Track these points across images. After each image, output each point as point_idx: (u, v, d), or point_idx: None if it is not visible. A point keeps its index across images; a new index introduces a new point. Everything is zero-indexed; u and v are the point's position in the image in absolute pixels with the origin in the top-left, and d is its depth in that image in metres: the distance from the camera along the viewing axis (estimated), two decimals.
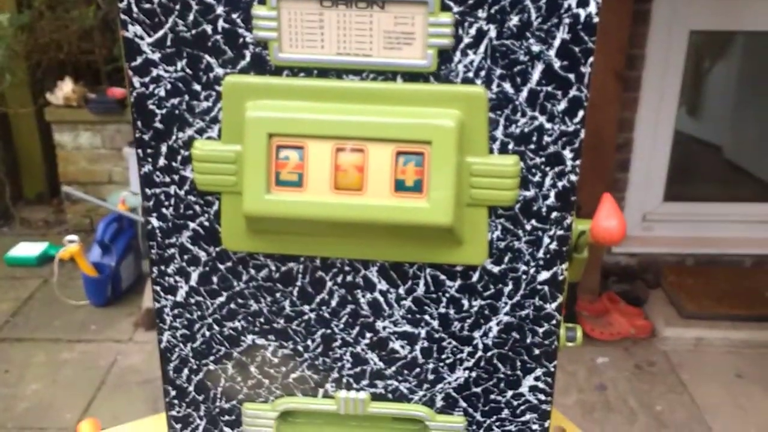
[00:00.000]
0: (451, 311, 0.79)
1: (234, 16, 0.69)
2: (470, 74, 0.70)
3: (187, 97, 0.72)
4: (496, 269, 0.77)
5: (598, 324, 2.66)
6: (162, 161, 0.74)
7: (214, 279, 0.79)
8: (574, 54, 0.69)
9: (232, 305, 0.81)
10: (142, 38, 0.71)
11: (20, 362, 2.37)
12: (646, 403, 2.24)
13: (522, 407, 0.83)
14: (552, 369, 0.81)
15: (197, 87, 0.72)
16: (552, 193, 0.73)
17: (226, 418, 0.87)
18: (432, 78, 0.70)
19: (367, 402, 0.84)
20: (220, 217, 0.76)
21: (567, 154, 0.71)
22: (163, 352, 0.83)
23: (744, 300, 2.70)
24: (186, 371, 0.84)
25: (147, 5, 0.69)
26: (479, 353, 0.81)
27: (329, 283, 0.79)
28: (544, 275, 0.77)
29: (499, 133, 0.71)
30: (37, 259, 3.04)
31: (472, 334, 0.80)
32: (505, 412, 0.83)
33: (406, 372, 0.83)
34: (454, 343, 0.81)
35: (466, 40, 0.69)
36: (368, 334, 0.81)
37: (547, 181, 0.72)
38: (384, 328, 0.81)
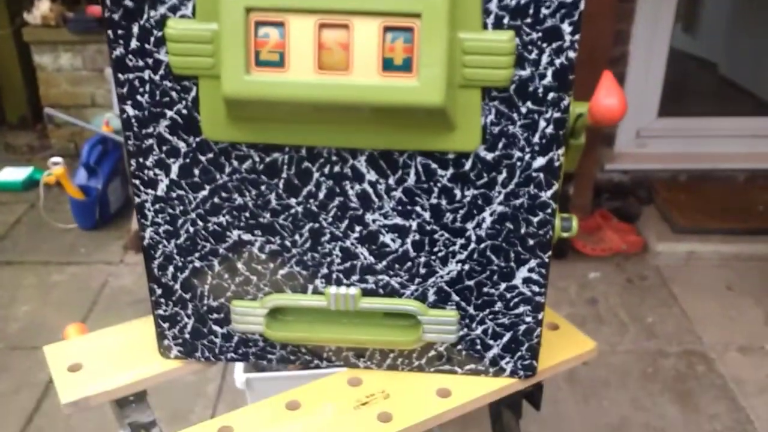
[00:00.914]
0: (443, 202, 0.76)
1: None
2: None
3: None
4: (489, 156, 0.74)
5: (589, 240, 2.65)
6: (134, 43, 0.70)
7: (196, 171, 0.76)
8: None
9: (216, 199, 0.77)
10: None
11: (10, 284, 2.36)
12: (637, 316, 2.26)
13: (515, 300, 0.81)
14: (546, 260, 0.79)
15: None
16: (549, 72, 0.69)
17: (215, 316, 0.85)
18: None
19: (357, 297, 0.82)
20: (198, 104, 0.72)
21: (565, 28, 0.67)
22: (146, 249, 0.81)
23: (736, 214, 2.69)
24: (171, 269, 0.82)
25: None
26: (472, 245, 0.79)
27: (316, 175, 0.76)
28: (540, 161, 0.74)
29: (493, 5, 0.66)
30: (22, 183, 2.99)
31: (464, 226, 0.78)
32: (498, 305, 0.82)
33: (397, 266, 0.80)
34: (446, 235, 0.78)
35: None
36: (357, 228, 0.78)
37: (544, 59, 0.68)
38: (374, 221, 0.78)
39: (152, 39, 0.69)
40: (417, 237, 0.78)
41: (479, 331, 0.84)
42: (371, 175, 0.75)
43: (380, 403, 0.83)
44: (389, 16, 0.65)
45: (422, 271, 0.80)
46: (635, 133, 3.00)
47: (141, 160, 0.75)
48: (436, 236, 0.78)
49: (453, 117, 0.70)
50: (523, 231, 0.77)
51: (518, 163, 0.74)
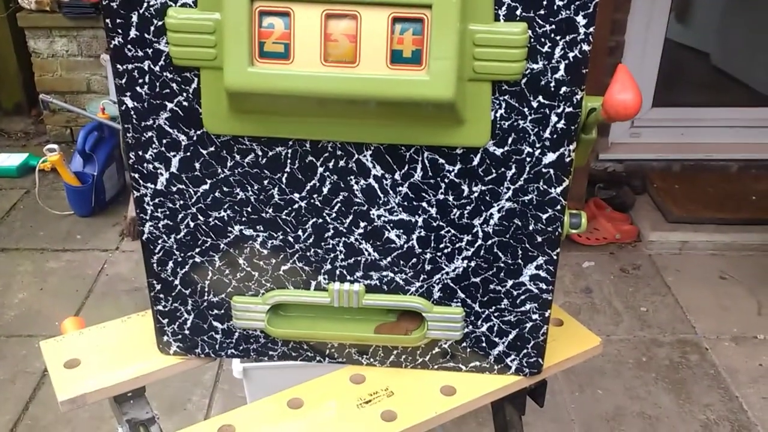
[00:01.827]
0: (450, 198, 0.75)
1: None
2: None
3: None
4: (498, 151, 0.72)
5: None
6: (133, 32, 0.67)
7: (197, 165, 0.74)
8: None
9: (217, 193, 0.75)
10: None
11: (6, 271, 2.32)
12: (631, 305, 2.27)
13: (522, 297, 0.80)
14: (555, 257, 0.78)
15: None
16: (562, 65, 0.67)
17: (215, 312, 0.83)
18: None
19: (361, 294, 0.80)
20: (200, 96, 0.70)
21: (580, 20, 0.65)
22: (145, 243, 0.79)
23: (729, 204, 2.69)
24: (171, 264, 0.80)
25: None
26: (479, 242, 0.77)
27: (320, 169, 0.74)
28: (550, 157, 0.72)
29: None
30: (18, 169, 2.95)
31: (471, 222, 0.76)
32: (505, 302, 0.81)
33: (402, 263, 0.79)
34: (452, 231, 0.77)
35: None
36: (362, 223, 0.77)
37: (557, 52, 0.66)
38: (379, 216, 0.76)
39: (152, 28, 0.67)
40: (423, 233, 0.77)
41: (485, 328, 0.82)
42: (377, 170, 0.73)
43: (384, 401, 0.82)
44: (398, 7, 0.63)
45: (427, 267, 0.79)
46: (629, 123, 2.99)
47: (140, 152, 0.73)
48: (442, 232, 0.77)
49: (462, 111, 0.68)
50: (531, 228, 0.76)
51: (528, 159, 0.72)
